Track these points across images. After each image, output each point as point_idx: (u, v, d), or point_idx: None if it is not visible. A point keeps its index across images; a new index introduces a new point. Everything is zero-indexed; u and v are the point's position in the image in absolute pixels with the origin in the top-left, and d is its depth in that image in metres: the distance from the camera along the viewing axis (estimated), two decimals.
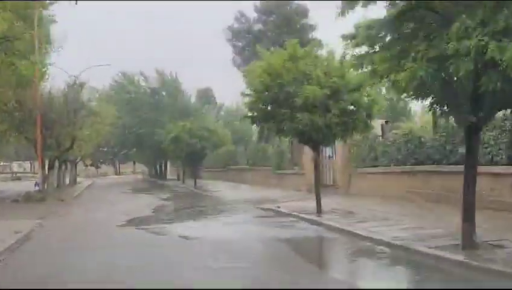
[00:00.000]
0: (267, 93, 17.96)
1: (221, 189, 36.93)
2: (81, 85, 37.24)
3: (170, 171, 69.40)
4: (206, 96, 77.10)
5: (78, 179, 65.44)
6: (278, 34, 63.19)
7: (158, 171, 69.68)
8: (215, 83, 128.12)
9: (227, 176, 47.83)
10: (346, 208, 19.83)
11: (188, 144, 41.00)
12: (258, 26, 65.43)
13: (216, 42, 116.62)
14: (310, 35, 64.66)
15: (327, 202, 20.18)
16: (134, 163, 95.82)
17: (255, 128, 71.79)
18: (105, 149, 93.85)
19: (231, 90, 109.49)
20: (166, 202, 30.44)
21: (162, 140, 49.19)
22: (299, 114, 16.84)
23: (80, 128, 38.39)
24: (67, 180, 54.12)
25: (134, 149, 70.39)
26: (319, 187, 19.03)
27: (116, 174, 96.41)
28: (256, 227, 17.74)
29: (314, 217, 17.95)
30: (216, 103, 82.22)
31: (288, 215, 19.52)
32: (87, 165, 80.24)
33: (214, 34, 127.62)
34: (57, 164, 44.18)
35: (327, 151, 29.44)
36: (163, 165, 68.05)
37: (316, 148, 18.94)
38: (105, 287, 9.60)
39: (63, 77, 42.78)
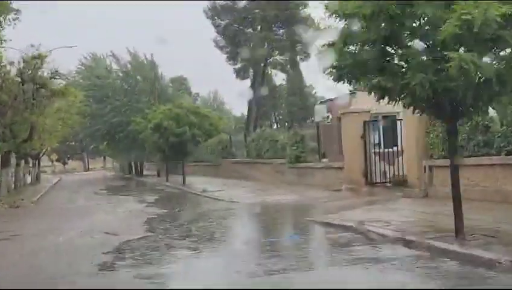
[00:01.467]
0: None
1: (222, 189, 28.51)
2: (41, 58, 28.37)
3: (146, 167, 60.73)
4: (180, 85, 68.43)
5: (44, 177, 56.41)
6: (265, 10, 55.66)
7: (133, 167, 60.84)
8: (191, 70, 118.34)
9: (220, 171, 39.39)
10: (485, 224, 11.58)
11: (174, 133, 32.45)
12: (243, 3, 57.54)
13: (194, 28, 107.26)
14: (301, 11, 57.12)
15: (409, 211, 13.66)
16: (104, 158, 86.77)
17: (233, 119, 63.80)
18: (73, 143, 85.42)
19: (208, 78, 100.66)
20: (157, 208, 21.93)
21: (139, 130, 40.60)
22: (452, 54, 8.48)
23: (41, 114, 29.63)
24: (28, 179, 45.09)
25: (106, 142, 61.56)
26: (459, 190, 10.63)
27: (85, 170, 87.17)
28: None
29: (474, 252, 9.44)
30: (191, 92, 73.93)
31: (400, 242, 10.99)
32: (52, 161, 70.95)
33: (191, 18, 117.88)
34: (14, 159, 35.41)
35: (371, 134, 21.51)
36: (139, 159, 59.17)
37: (452, 123, 10.61)
38: None
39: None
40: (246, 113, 63.53)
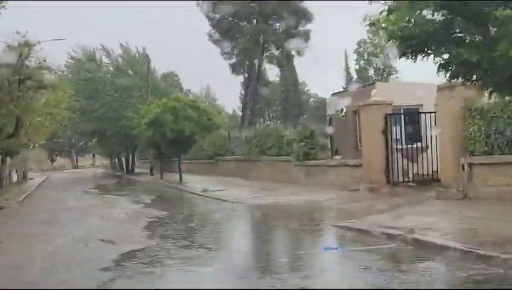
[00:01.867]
0: None
1: (223, 188, 26.27)
2: (28, 45, 25.99)
3: (137, 164, 58.29)
4: (170, 81, 65.83)
5: (31, 174, 53.81)
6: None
7: (124, 164, 58.36)
8: (182, 66, 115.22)
9: (217, 169, 37.17)
10: None
11: (171, 128, 30.16)
12: None
13: (186, 22, 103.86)
14: (300, 4, 54.98)
15: (455, 216, 11.52)
16: (93, 155, 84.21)
17: (226, 116, 61.25)
18: (61, 140, 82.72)
19: (200, 74, 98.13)
20: (156, 210, 19.63)
21: (132, 125, 38.32)
22: None
23: (27, 107, 27.27)
24: (14, 177, 42.59)
25: (95, 139, 59.05)
26: None
27: (73, 167, 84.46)
28: None
29: None
30: (182, 88, 71.36)
31: (472, 257, 8.74)
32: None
33: (183, 11, 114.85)
34: None
35: (393, 130, 19.44)
36: (130, 156, 56.74)
37: None
38: None
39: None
40: (238, 110, 61.37)
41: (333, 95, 23.11)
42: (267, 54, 56.43)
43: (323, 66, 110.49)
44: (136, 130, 35.96)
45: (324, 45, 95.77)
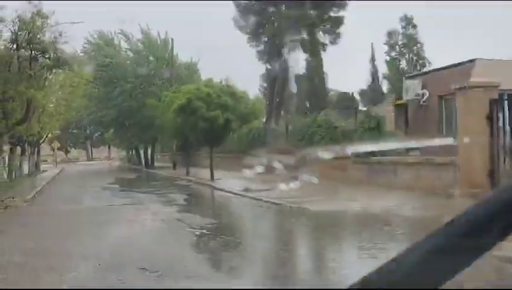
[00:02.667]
0: None
1: (266, 187, 22.00)
2: (41, 15, 21.80)
3: (157, 157, 54.23)
4: (193, 69, 61.45)
5: (44, 166, 49.95)
6: None
7: (142, 157, 54.27)
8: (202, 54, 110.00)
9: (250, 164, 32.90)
10: None
11: (204, 117, 25.94)
12: None
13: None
14: None
15: None
16: (109, 147, 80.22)
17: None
18: (76, 131, 78.86)
19: (222, 63, 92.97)
20: (197, 215, 15.34)
21: (156, 114, 34.19)
22: None
23: (40, 89, 23.16)
24: (25, 169, 38.57)
25: (112, 130, 55.05)
26: None
27: (88, 159, 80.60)
28: None
29: None
30: (201, 79, 66.91)
31: None
32: (54, 150, 64.34)
33: None
34: (7, 146, 29.10)
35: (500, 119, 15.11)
36: (149, 149, 52.60)
37: None
38: None
39: None
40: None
41: (409, 77, 18.73)
42: (297, 40, 51.84)
43: (346, 58, 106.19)
44: (161, 119, 31.79)
45: (348, 36, 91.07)
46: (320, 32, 51.10)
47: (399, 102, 30.84)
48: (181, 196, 21.47)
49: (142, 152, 55.14)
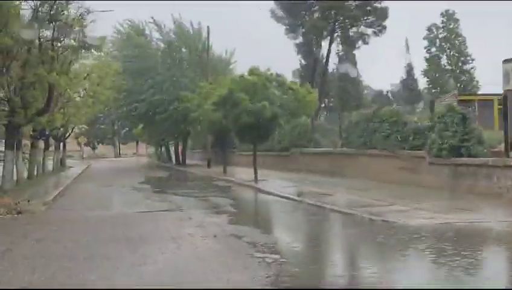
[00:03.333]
0: None
1: (326, 191, 18.59)
2: None
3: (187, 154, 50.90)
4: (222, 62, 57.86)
5: (70, 162, 47.03)
6: None
7: (173, 154, 51.05)
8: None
9: (292, 164, 29.52)
10: None
11: (249, 110, 22.50)
12: None
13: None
14: None
15: None
16: (137, 143, 77.26)
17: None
18: (103, 126, 76.13)
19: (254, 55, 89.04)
20: (258, 231, 11.86)
21: (191, 107, 30.85)
22: None
23: (64, 73, 19.89)
24: (50, 165, 35.51)
25: (141, 125, 51.88)
26: None
27: (116, 156, 77.76)
28: None
29: None
30: (236, 72, 63.38)
31: None
32: (81, 145, 61.54)
33: None
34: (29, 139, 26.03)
35: None
36: (180, 145, 49.30)
37: None
38: None
39: None
40: None
41: (508, 61, 15.06)
42: (339, 33, 48.15)
43: (378, 54, 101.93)
44: (197, 112, 28.43)
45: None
46: (362, 26, 47.43)
47: (463, 97, 27.13)
48: (225, 201, 18.03)
49: (172, 148, 51.99)
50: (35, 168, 28.24)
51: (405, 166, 19.57)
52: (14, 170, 21.19)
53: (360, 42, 47.85)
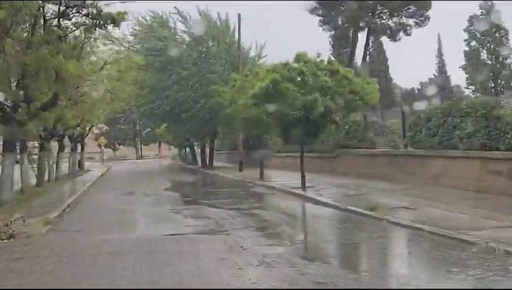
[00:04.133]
0: None
1: (405, 203, 14.38)
2: None
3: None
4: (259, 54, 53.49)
5: (89, 165, 43.26)
6: None
7: (199, 156, 47.06)
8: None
9: (339, 167, 25.32)
10: None
11: (297, 103, 18.38)
12: None
13: None
14: None
15: None
16: (159, 144, 73.49)
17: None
18: (124, 126, 72.58)
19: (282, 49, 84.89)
20: (348, 273, 7.79)
21: (223, 103, 26.73)
22: None
23: (76, 57, 15.92)
24: (65, 169, 31.69)
25: (165, 124, 47.98)
26: None
27: (137, 158, 74.08)
28: None
29: None
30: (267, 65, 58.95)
31: None
32: (100, 146, 57.82)
33: None
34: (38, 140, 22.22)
35: None
36: (207, 146, 45.20)
37: None
38: None
39: None
40: None
41: None
42: (379, 24, 43.74)
43: (409, 50, 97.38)
44: (231, 108, 24.34)
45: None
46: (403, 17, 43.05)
47: None
48: (277, 216, 13.98)
49: (198, 150, 48.03)
50: (47, 173, 24.36)
51: (499, 170, 15.25)
52: (17, 176, 17.29)
53: (401, 33, 43.12)
